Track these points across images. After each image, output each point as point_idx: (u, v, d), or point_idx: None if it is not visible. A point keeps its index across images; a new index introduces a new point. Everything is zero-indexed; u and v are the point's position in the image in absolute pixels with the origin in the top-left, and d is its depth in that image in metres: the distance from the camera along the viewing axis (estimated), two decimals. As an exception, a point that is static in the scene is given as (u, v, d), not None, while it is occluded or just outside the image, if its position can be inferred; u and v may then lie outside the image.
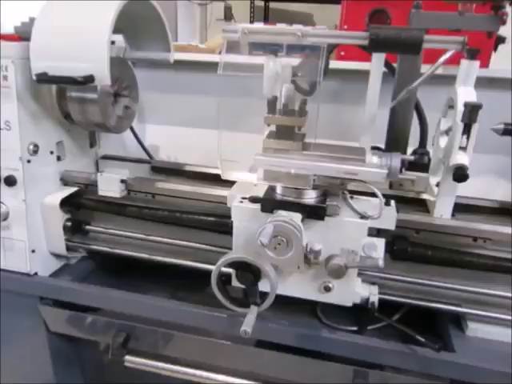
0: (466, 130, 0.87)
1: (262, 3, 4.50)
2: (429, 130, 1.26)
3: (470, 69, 0.92)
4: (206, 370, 1.08)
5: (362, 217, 0.92)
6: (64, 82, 0.98)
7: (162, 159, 1.63)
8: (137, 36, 1.31)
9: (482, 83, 1.39)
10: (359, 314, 1.09)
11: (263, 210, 0.92)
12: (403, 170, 1.30)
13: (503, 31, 1.31)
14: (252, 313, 0.87)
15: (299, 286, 0.98)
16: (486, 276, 0.99)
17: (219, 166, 0.91)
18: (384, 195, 1.12)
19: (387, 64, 1.20)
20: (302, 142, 0.92)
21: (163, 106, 1.67)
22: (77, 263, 1.30)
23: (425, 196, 1.13)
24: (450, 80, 1.04)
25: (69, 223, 1.21)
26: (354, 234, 0.92)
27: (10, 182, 1.07)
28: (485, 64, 1.75)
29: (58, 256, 1.23)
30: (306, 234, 0.93)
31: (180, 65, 1.57)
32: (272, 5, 4.56)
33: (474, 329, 1.02)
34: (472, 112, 0.84)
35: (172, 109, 1.67)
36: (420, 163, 1.24)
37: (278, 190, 0.95)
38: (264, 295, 0.92)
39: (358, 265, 0.90)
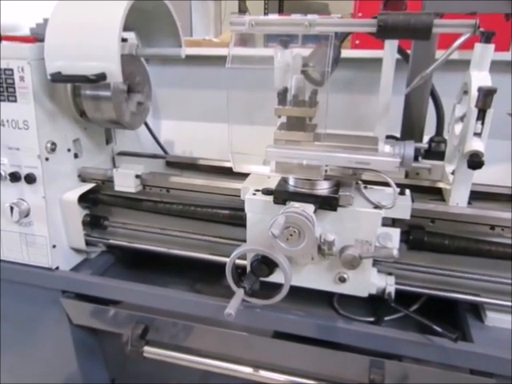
0: (481, 116, 0.85)
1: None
2: (446, 118, 1.24)
3: (484, 52, 0.90)
4: (224, 361, 1.10)
5: (376, 207, 0.91)
6: (77, 81, 1.00)
7: (177, 154, 1.65)
8: (149, 33, 1.32)
9: (502, 67, 1.36)
10: (376, 305, 1.08)
11: (276, 201, 0.92)
12: (419, 158, 1.29)
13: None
14: (238, 296, 0.88)
15: (314, 277, 0.99)
16: (504, 265, 0.97)
17: (230, 158, 0.91)
18: (399, 184, 1.11)
19: (401, 51, 1.18)
20: (313, 132, 0.92)
21: (178, 102, 1.69)
22: (97, 257, 1.33)
23: (441, 185, 1.11)
24: (466, 65, 1.01)
25: (87, 218, 1.24)
26: (367, 224, 0.91)
27: (30, 179, 1.10)
28: (505, 47, 1.70)
29: (78, 251, 1.27)
30: (320, 224, 0.93)
31: (193, 60, 1.58)
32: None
33: (493, 318, 1.00)
34: (486, 97, 0.82)
35: (186, 104, 1.69)
36: (437, 151, 1.21)
37: (291, 182, 0.95)
38: (279, 286, 0.92)
39: (373, 255, 0.89)
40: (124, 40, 1.36)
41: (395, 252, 0.85)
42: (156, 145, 1.56)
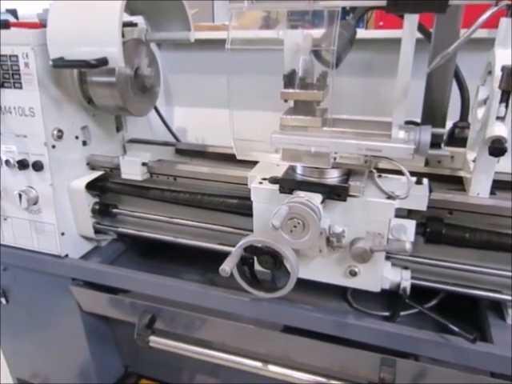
0: (504, 98, 0.77)
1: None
2: (471, 101, 1.15)
3: (510, 28, 0.81)
4: (231, 354, 1.07)
5: (389, 197, 0.86)
6: (78, 66, 0.97)
7: (189, 141, 1.62)
8: (157, 17, 1.29)
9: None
10: (392, 299, 1.03)
11: (282, 190, 0.88)
12: (442, 145, 1.21)
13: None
14: (235, 254, 0.86)
15: (323, 270, 0.94)
16: (531, 260, 0.90)
17: (233, 145, 0.87)
18: (418, 173, 1.04)
19: (422, 29, 1.10)
20: (321, 117, 0.86)
21: (191, 88, 1.65)
22: (107, 245, 1.32)
23: (462, 173, 1.03)
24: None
25: (97, 206, 1.23)
26: (379, 215, 0.85)
27: (38, 167, 1.09)
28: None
29: (88, 238, 1.26)
30: (329, 215, 0.88)
31: (207, 44, 1.54)
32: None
33: (518, 317, 0.93)
34: (510, 76, 0.74)
35: (200, 90, 1.65)
36: (460, 137, 1.13)
37: (298, 170, 0.90)
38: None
39: (384, 248, 0.84)
40: (133, 25, 1.33)
41: (408, 246, 0.79)
42: (168, 132, 1.53)
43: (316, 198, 0.82)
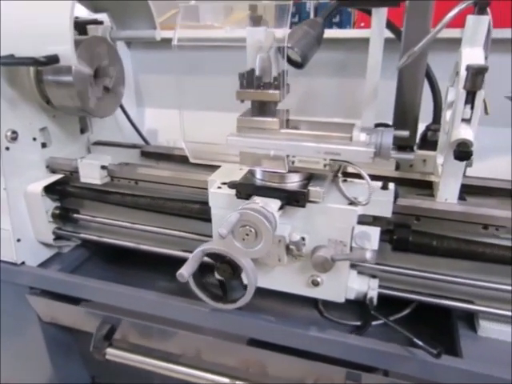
0: (470, 99, 0.73)
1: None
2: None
3: (477, 25, 0.78)
4: (193, 368, 1.02)
5: (351, 203, 0.81)
6: (26, 64, 0.92)
7: (160, 144, 1.57)
8: (122, 15, 1.24)
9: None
10: (366, 306, 0.99)
11: (239, 196, 0.83)
12: (414, 148, 1.17)
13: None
14: (195, 257, 0.80)
15: (284, 280, 0.89)
16: (501, 269, 0.85)
17: (184, 148, 0.82)
18: (388, 178, 1.00)
19: (392, 27, 1.05)
20: (281, 119, 0.82)
21: (163, 89, 1.59)
22: (70, 252, 1.26)
23: (432, 177, 0.99)
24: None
25: (57, 211, 1.18)
26: (341, 222, 0.81)
27: (-10, 170, 1.04)
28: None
29: (47, 245, 1.20)
30: (290, 222, 0.83)
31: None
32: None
33: (487, 328, 0.89)
34: (476, 76, 0.70)
35: (172, 91, 1.59)
36: (433, 140, 1.10)
37: (258, 175, 0.85)
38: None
39: (345, 258, 0.79)
40: (98, 22, 1.28)
41: (369, 255, 0.74)
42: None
43: (273, 205, 0.78)
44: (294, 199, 0.80)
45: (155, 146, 1.43)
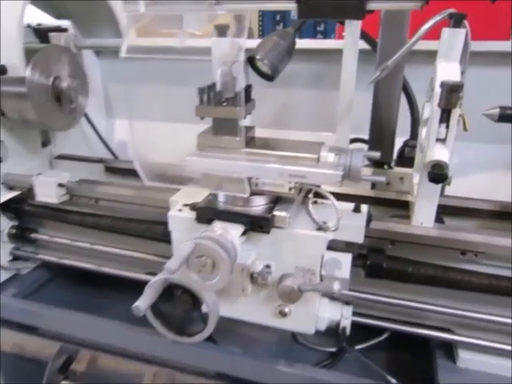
0: (445, 117, 0.68)
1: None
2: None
3: (453, 39, 0.73)
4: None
5: (320, 228, 0.75)
6: (-32, 75, 0.85)
7: (129, 158, 1.49)
8: (87, 22, 1.18)
9: (497, 59, 1.17)
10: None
11: (199, 220, 0.77)
12: (392, 165, 1.12)
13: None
14: (153, 288, 0.71)
15: (251, 310, 0.83)
16: (484, 297, 0.80)
17: (136, 168, 0.76)
18: (362, 197, 0.95)
19: (366, 37, 1.01)
20: (244, 137, 0.75)
21: (134, 99, 1.52)
22: (29, 273, 1.19)
23: (409, 197, 0.94)
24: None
25: (13, 230, 1.10)
26: (309, 249, 0.75)
27: None
28: (506, 35, 1.51)
29: (3, 267, 1.12)
30: (255, 248, 0.77)
31: (151, 52, 1.42)
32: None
33: (467, 359, 0.84)
34: (451, 93, 0.65)
35: (144, 102, 1.52)
36: (411, 157, 1.05)
37: (221, 197, 0.79)
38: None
39: (312, 289, 0.73)
40: (62, 30, 1.21)
41: (336, 287, 0.68)
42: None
43: (234, 231, 0.71)
44: (257, 225, 0.73)
45: (121, 160, 1.36)
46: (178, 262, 0.61)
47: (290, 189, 0.73)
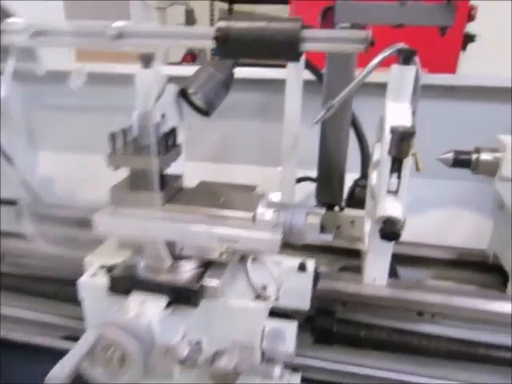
0: (396, 167, 0.60)
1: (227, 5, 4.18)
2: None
3: (403, 77, 0.65)
4: None
5: (258, 296, 0.64)
6: None
7: (58, 195, 1.32)
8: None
9: (443, 92, 1.13)
10: None
11: (113, 290, 0.63)
12: (343, 205, 1.03)
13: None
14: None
15: (181, 390, 0.70)
16: (442, 362, 0.72)
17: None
18: (310, 246, 0.85)
19: (312, 68, 0.92)
20: (168, 190, 0.64)
21: (61, 129, 1.36)
22: None
23: (360, 246, 0.85)
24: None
25: None
26: (246, 322, 0.63)
27: None
28: (451, 69, 1.50)
29: None
30: (182, 322, 0.64)
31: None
32: (237, 7, 4.25)
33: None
34: (401, 142, 0.57)
35: (73, 131, 1.36)
36: (361, 197, 0.96)
37: (142, 262, 0.66)
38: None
39: (250, 371, 0.61)
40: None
41: (277, 373, 0.57)
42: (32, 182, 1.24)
43: (154, 307, 0.59)
44: (183, 297, 0.61)
45: (32, 204, 1.17)
46: (73, 361, 0.48)
47: (222, 254, 0.61)
